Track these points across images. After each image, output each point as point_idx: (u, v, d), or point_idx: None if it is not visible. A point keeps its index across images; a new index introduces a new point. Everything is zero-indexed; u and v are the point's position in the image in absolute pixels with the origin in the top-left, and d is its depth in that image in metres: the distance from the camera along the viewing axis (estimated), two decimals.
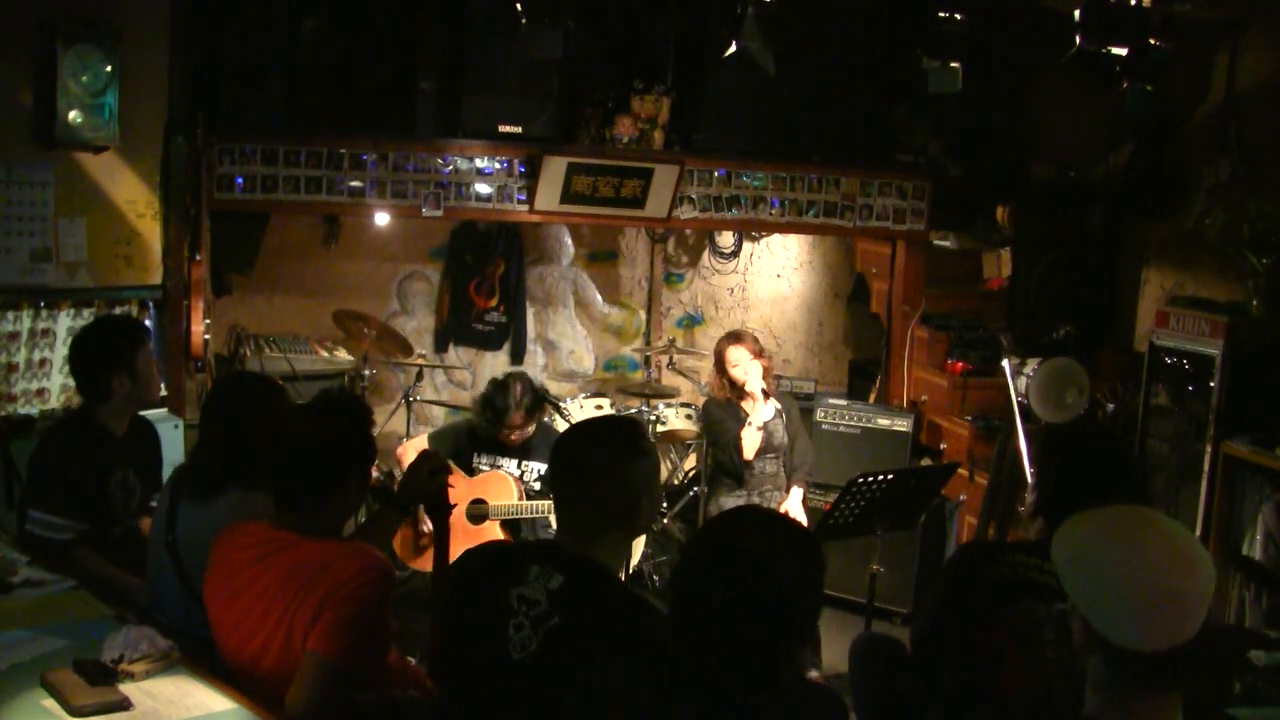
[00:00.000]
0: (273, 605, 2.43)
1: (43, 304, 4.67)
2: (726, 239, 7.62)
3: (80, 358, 3.52)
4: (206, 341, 5.13)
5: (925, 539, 5.80)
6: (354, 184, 5.55)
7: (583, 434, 2.48)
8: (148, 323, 4.87)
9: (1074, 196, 6.14)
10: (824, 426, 6.30)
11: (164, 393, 4.83)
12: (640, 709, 2.00)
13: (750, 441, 4.97)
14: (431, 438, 5.37)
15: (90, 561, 3.27)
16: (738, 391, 5.05)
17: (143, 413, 3.70)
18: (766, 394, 5.01)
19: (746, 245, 7.67)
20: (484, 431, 5.18)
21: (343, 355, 6.40)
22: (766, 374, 5.06)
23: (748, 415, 5.01)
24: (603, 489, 2.31)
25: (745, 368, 5.02)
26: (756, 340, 5.15)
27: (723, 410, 5.11)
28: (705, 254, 7.69)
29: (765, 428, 5.01)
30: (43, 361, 4.72)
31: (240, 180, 5.31)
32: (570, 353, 7.47)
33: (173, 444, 4.62)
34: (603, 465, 2.34)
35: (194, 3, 5.01)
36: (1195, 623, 1.66)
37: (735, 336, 5.17)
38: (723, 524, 2.12)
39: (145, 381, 3.52)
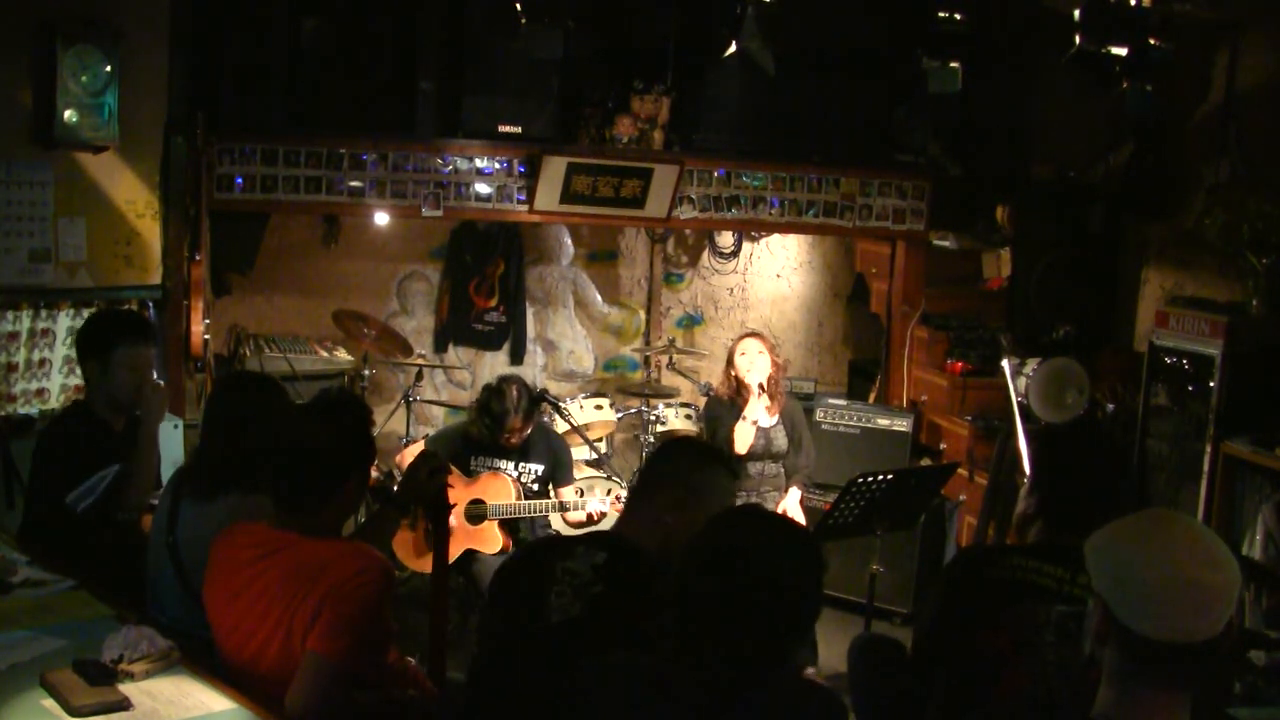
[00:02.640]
0: (272, 605, 2.43)
1: (42, 304, 4.67)
2: (726, 239, 7.61)
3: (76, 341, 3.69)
4: (206, 341, 5.13)
5: (925, 539, 5.79)
6: (354, 184, 5.55)
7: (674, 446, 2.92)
8: None
9: (1074, 196, 6.13)
10: (824, 426, 6.29)
11: None
12: (641, 706, 2.00)
13: (743, 436, 4.96)
14: (429, 442, 5.36)
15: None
16: (740, 386, 5.05)
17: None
18: (767, 390, 5.01)
19: (746, 245, 7.66)
20: (481, 436, 5.17)
21: (342, 355, 6.39)
22: (775, 382, 5.07)
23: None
24: (669, 481, 2.53)
25: (753, 360, 5.03)
26: (773, 344, 5.18)
27: (723, 408, 5.12)
28: (705, 254, 7.69)
29: (765, 433, 5.02)
30: (42, 361, 4.72)
31: (240, 180, 5.31)
32: (570, 353, 7.47)
33: (173, 444, 4.61)
34: (677, 464, 2.62)
35: (194, 3, 5.01)
36: (1212, 622, 1.67)
37: (752, 333, 5.28)
38: (722, 523, 2.13)
39: (120, 381, 3.41)
